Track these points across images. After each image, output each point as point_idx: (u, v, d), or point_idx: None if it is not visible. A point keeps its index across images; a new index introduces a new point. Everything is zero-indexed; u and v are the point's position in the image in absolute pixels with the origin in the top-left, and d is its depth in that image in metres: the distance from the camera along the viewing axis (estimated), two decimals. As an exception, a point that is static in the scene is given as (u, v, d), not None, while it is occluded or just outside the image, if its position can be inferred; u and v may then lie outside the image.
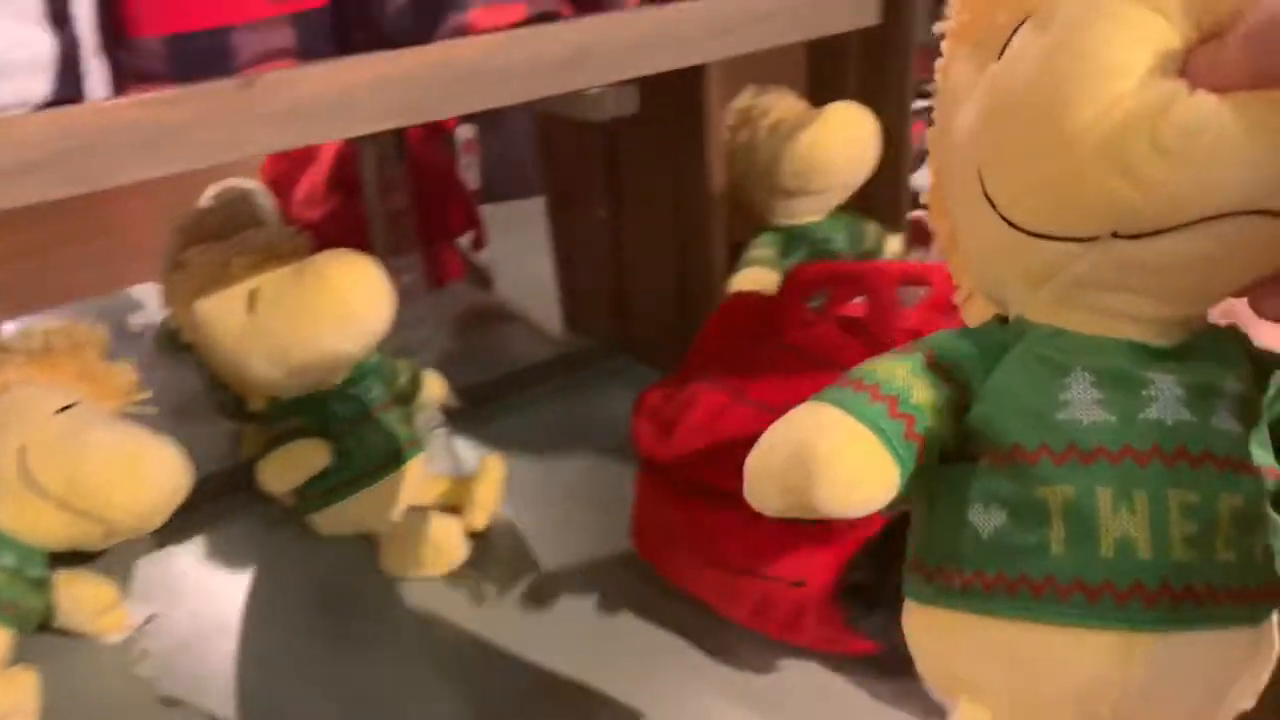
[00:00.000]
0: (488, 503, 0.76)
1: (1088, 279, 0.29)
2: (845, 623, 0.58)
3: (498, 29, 0.53)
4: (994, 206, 0.30)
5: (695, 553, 0.65)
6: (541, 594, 0.71)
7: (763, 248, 0.93)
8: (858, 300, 0.70)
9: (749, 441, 0.62)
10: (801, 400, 0.63)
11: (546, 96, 0.55)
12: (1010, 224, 0.30)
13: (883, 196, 0.99)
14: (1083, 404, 0.29)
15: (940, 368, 0.32)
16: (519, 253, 1.15)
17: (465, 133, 1.17)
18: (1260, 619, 0.30)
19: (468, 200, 1.16)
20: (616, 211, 0.97)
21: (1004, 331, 0.32)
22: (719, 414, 0.65)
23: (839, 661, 0.62)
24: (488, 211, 1.18)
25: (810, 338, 0.67)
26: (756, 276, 0.89)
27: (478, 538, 0.76)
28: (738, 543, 0.62)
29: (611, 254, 0.99)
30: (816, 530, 0.59)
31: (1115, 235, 0.28)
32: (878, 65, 0.96)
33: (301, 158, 1.03)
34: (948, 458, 0.32)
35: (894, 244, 0.98)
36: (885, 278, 0.64)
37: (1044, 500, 0.29)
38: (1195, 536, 0.29)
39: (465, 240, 1.18)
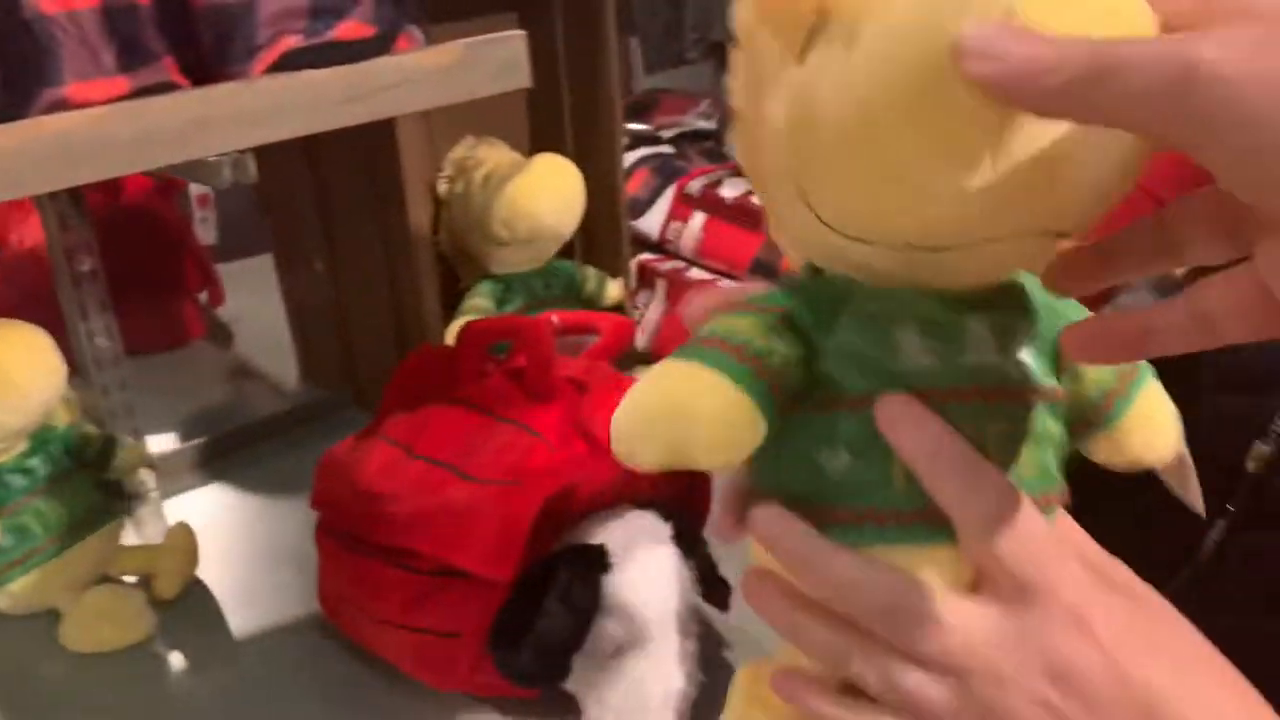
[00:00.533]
0: (178, 571, 0.75)
1: (892, 271, 0.32)
2: (498, 670, 0.59)
3: (96, 104, 0.52)
4: (807, 203, 0.31)
5: (366, 610, 0.65)
6: (226, 662, 0.70)
7: (479, 296, 0.94)
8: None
9: (412, 498, 0.63)
10: (465, 452, 0.64)
11: (164, 166, 0.55)
12: (820, 220, 0.31)
13: (602, 244, 1.02)
14: (911, 353, 0.33)
15: (792, 327, 0.33)
16: (258, 308, 1.14)
17: (198, 189, 1.15)
18: (1051, 516, 0.35)
19: (202, 257, 1.14)
20: (334, 265, 0.97)
21: (832, 285, 0.34)
22: (388, 470, 0.66)
23: (516, 706, 0.63)
24: (228, 268, 1.17)
25: (481, 390, 0.68)
26: (470, 326, 0.91)
27: (172, 605, 0.74)
28: (399, 598, 0.62)
29: (335, 307, 0.99)
30: (467, 585, 0.60)
31: (910, 246, 0.30)
32: (591, 119, 0.99)
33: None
34: (795, 406, 0.33)
35: (614, 290, 1.01)
36: (542, 331, 0.66)
37: (884, 440, 0.32)
38: (1007, 460, 0.33)
39: (204, 297, 1.16)
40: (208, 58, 0.58)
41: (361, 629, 0.66)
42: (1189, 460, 0.40)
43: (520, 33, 0.68)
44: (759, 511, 0.35)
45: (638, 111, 1.24)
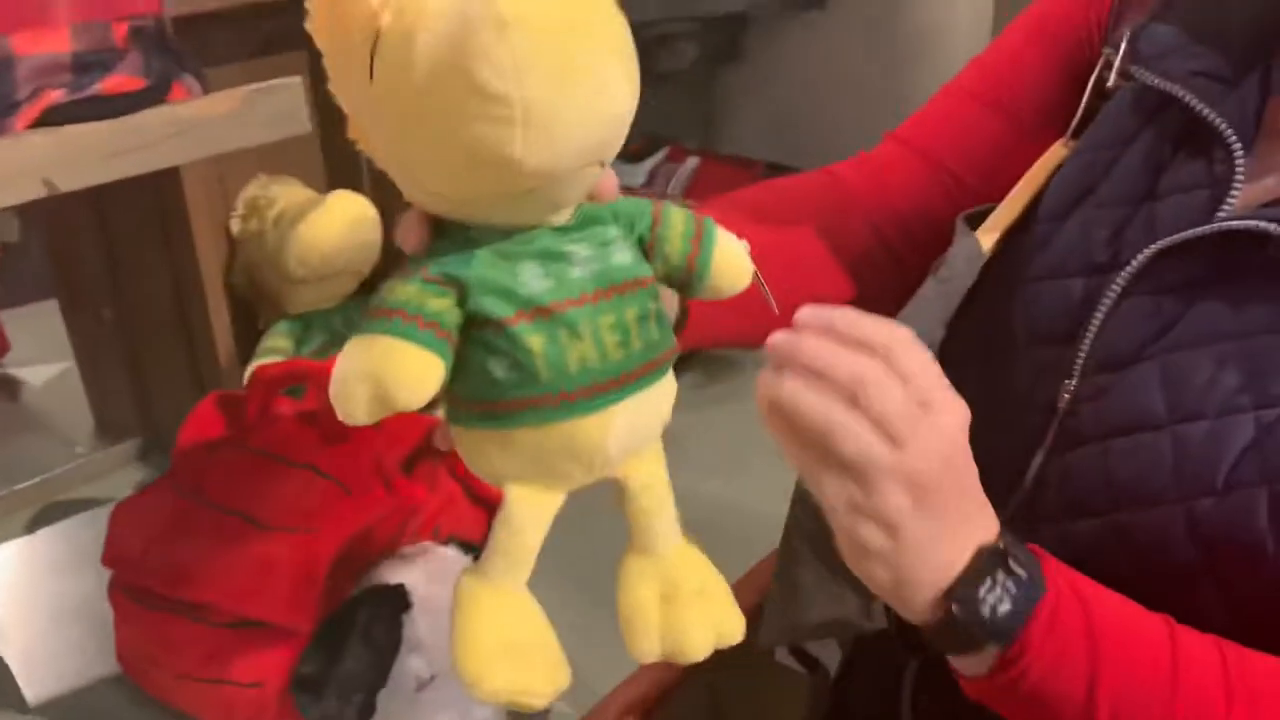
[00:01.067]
0: (-39, 640, 0.72)
1: (489, 216, 0.42)
2: (301, 713, 0.60)
3: None
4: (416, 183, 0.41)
5: (162, 666, 0.64)
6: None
7: (277, 337, 0.94)
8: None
9: (205, 550, 0.63)
10: (257, 499, 0.64)
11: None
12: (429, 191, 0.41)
13: (404, 275, 1.03)
14: (533, 279, 0.42)
15: (445, 279, 0.41)
16: (45, 357, 1.09)
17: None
18: (667, 370, 0.46)
19: (-21, 305, 1.08)
20: (123, 312, 0.94)
21: (461, 236, 0.42)
22: (181, 522, 0.65)
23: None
24: (8, 316, 1.11)
25: (272, 436, 0.68)
26: (269, 367, 0.90)
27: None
28: (198, 651, 0.62)
29: (126, 354, 0.96)
30: (267, 634, 0.60)
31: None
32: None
33: None
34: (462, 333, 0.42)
35: (418, 321, 1.02)
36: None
37: (528, 347, 0.42)
38: (620, 341, 0.43)
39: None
40: (-37, 115, 0.57)
41: (164, 685, 0.65)
42: (758, 275, 0.50)
43: (297, 79, 0.69)
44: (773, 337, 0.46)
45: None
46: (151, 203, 0.87)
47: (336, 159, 1.03)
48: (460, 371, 0.42)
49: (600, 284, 0.43)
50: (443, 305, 0.41)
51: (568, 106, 0.38)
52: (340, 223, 0.92)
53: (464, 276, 0.41)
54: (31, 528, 0.89)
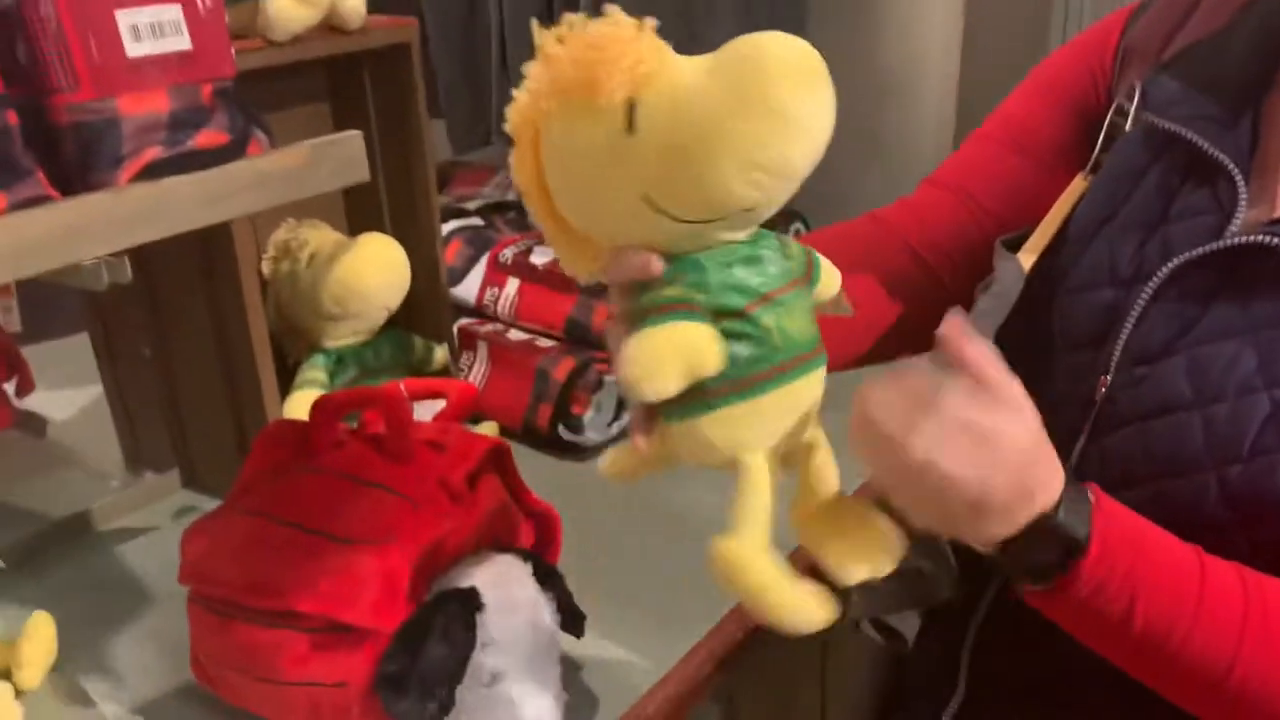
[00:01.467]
0: (38, 661, 0.76)
1: (699, 237, 0.53)
2: (387, 712, 0.65)
3: (-24, 220, 0.56)
4: (660, 210, 0.51)
5: (245, 672, 0.69)
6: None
7: (313, 370, 0.99)
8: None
9: (287, 563, 0.68)
10: (334, 516, 0.70)
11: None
12: (669, 216, 0.51)
13: (426, 313, 1.09)
14: (749, 277, 0.53)
15: (690, 285, 0.52)
16: (72, 393, 1.13)
17: (-3, 277, 1.13)
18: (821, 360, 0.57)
19: (7, 346, 1.12)
20: (163, 349, 0.99)
21: (685, 259, 0.53)
22: (258, 539, 0.71)
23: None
24: (32, 352, 1.15)
25: (340, 458, 0.74)
26: (307, 398, 0.95)
27: (35, 695, 0.76)
28: (282, 656, 0.67)
29: (164, 390, 1.01)
30: (351, 637, 0.66)
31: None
32: (408, 200, 1.07)
33: None
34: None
35: (440, 354, 1.08)
36: (397, 398, 0.73)
37: (767, 325, 0.53)
38: (810, 320, 0.56)
39: (10, 386, 1.14)
40: (73, 170, 0.63)
41: (245, 691, 0.70)
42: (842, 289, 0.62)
43: (357, 133, 0.75)
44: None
45: (436, 183, 1.31)
46: (194, 245, 0.92)
47: (359, 203, 1.09)
48: None
49: (787, 278, 0.55)
50: (702, 298, 0.52)
51: (819, 124, 0.50)
52: (373, 263, 0.98)
53: (704, 282, 0.52)
54: (76, 558, 0.94)
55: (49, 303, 1.18)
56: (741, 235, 0.54)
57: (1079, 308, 0.71)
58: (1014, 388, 0.55)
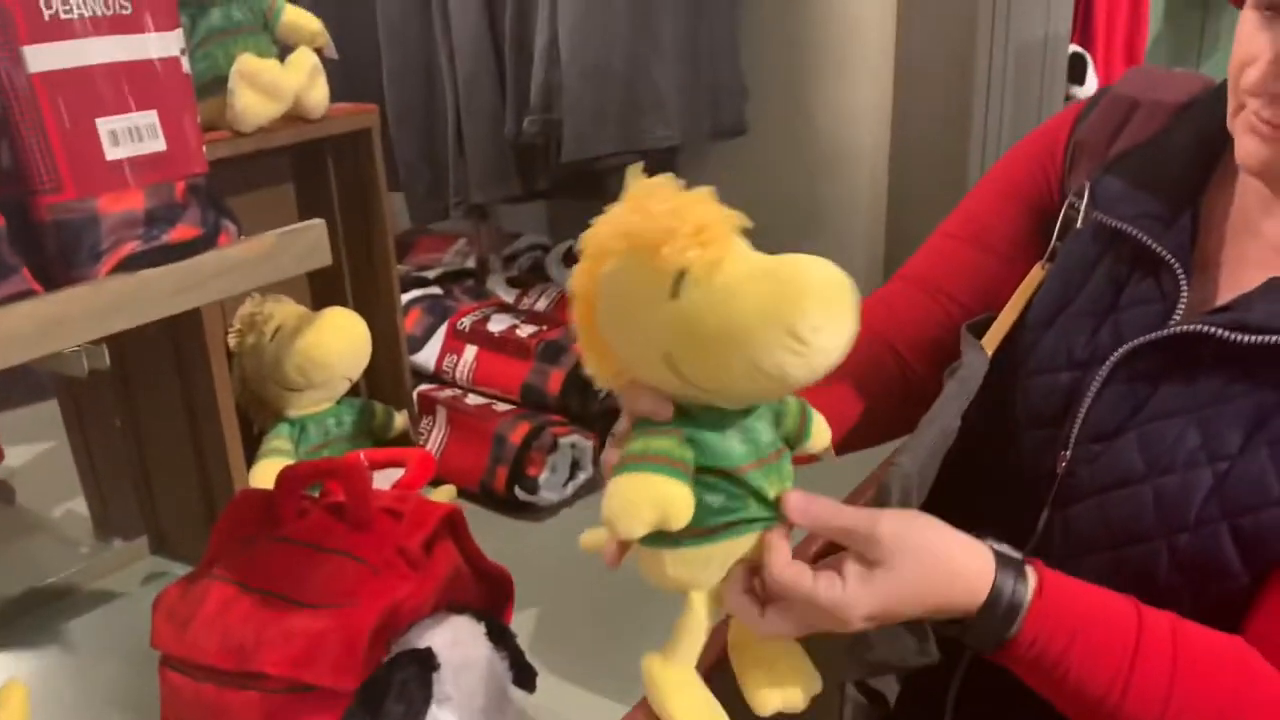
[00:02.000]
0: (12, 726, 0.79)
1: (713, 396, 0.59)
2: (349, 768, 0.69)
3: (-31, 312, 0.61)
4: (675, 369, 0.57)
5: (216, 734, 0.73)
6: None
7: (278, 439, 1.04)
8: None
9: (254, 627, 0.72)
10: (298, 582, 0.74)
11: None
12: (685, 380, 0.58)
13: (386, 381, 1.14)
14: (738, 444, 0.60)
15: (685, 438, 0.59)
16: (40, 460, 1.17)
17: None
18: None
19: (-24, 418, 1.16)
20: (133, 419, 1.04)
21: (686, 414, 0.60)
22: (228, 605, 0.75)
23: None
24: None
25: (303, 527, 0.79)
26: (272, 467, 0.99)
27: (5, 762, 0.79)
28: (253, 716, 0.71)
29: (134, 458, 1.05)
30: (315, 696, 0.70)
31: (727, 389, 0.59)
32: (369, 274, 1.12)
33: None
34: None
35: (400, 420, 1.13)
36: (357, 469, 0.78)
37: (746, 486, 0.60)
38: (781, 482, 0.62)
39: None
40: (54, 265, 0.68)
41: (213, 752, 0.74)
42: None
43: (320, 221, 0.80)
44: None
45: (397, 252, 1.37)
46: (164, 322, 0.97)
47: (322, 277, 1.14)
48: None
49: (774, 446, 0.63)
50: (688, 455, 0.59)
51: (830, 352, 0.55)
52: (335, 335, 1.03)
53: (700, 441, 0.59)
54: (47, 625, 0.97)
55: (16, 370, 1.21)
56: (740, 406, 0.61)
57: (1039, 389, 0.77)
58: (878, 544, 0.61)
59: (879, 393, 0.86)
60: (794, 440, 0.66)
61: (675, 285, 0.55)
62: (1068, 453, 0.74)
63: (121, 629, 0.96)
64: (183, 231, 0.73)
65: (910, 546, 0.61)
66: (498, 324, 1.22)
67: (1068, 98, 2.31)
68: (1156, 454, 0.70)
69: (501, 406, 1.17)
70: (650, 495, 0.56)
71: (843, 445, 0.85)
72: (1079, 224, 0.80)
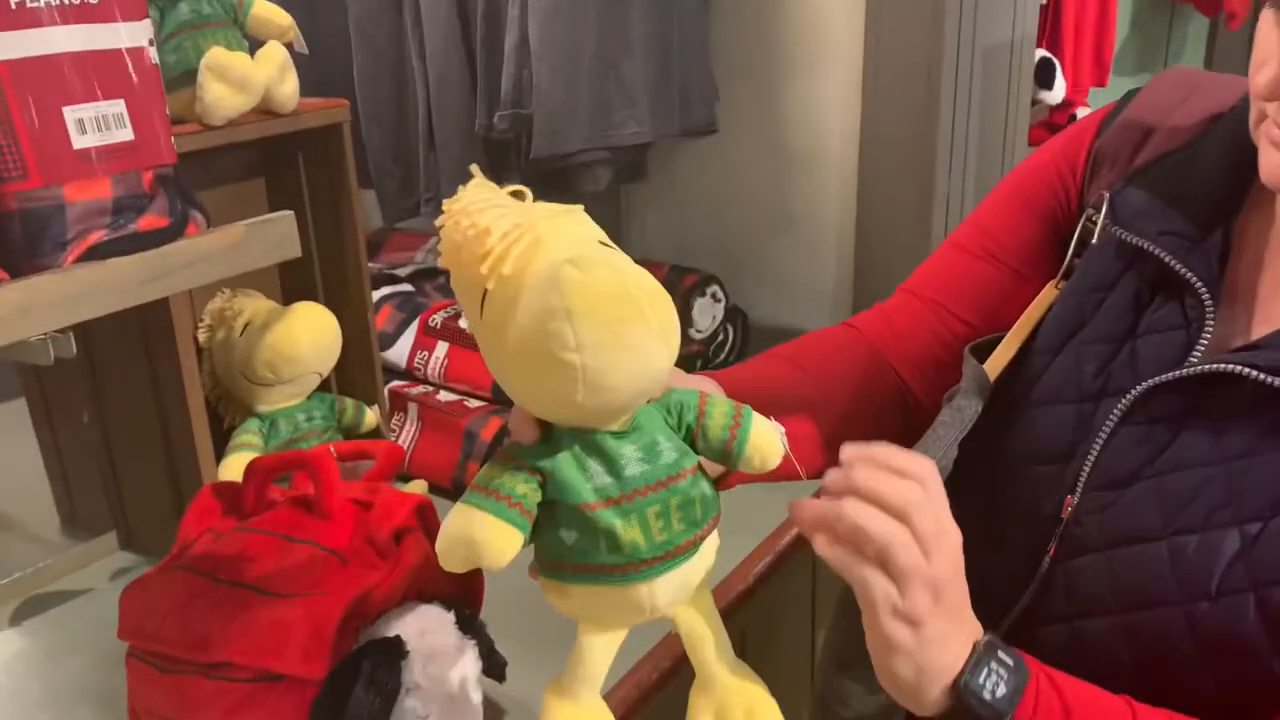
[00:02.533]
0: (-23, 719, 0.79)
1: (580, 420, 0.53)
2: (315, 756, 0.69)
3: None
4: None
5: (182, 723, 0.73)
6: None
7: (247, 434, 1.03)
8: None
9: (222, 617, 0.72)
10: (267, 572, 0.74)
11: (-10, 349, 0.63)
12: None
13: (357, 377, 1.14)
14: (598, 475, 0.53)
15: (531, 469, 0.54)
16: (4, 456, 1.16)
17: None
18: (704, 543, 0.57)
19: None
20: (101, 414, 1.03)
21: (544, 446, 0.54)
22: (194, 595, 0.75)
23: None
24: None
25: (272, 518, 0.79)
26: (241, 462, 0.99)
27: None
28: (221, 706, 0.71)
29: (102, 455, 1.05)
30: (283, 685, 0.70)
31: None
32: (339, 269, 1.12)
33: None
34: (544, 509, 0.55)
35: (370, 416, 1.13)
36: (325, 460, 0.78)
37: (595, 527, 0.53)
38: (663, 526, 0.54)
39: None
40: (20, 253, 0.68)
41: (179, 742, 0.74)
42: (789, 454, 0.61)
43: (289, 213, 0.80)
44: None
45: (369, 250, 1.37)
46: (133, 315, 0.97)
47: (292, 273, 1.14)
48: (540, 533, 0.55)
49: (649, 480, 0.54)
50: (529, 490, 0.53)
51: (617, 372, 0.49)
52: (305, 330, 1.03)
53: (548, 469, 0.53)
54: (16, 621, 0.96)
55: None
56: (614, 426, 0.54)
57: (1044, 421, 0.69)
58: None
59: (875, 413, 0.80)
60: (719, 454, 0.57)
61: (481, 304, 0.51)
62: (1074, 498, 0.66)
63: (89, 624, 0.95)
64: (151, 221, 0.73)
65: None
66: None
67: (1035, 102, 2.34)
68: (1175, 510, 0.61)
69: (473, 403, 1.18)
70: (466, 534, 0.53)
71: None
72: (1095, 240, 0.72)
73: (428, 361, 1.21)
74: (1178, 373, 0.63)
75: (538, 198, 0.54)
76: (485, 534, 0.52)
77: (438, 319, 1.24)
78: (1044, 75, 2.32)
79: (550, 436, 0.54)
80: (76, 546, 1.06)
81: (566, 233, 0.51)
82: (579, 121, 1.16)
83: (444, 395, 1.19)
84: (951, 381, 0.74)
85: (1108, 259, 0.70)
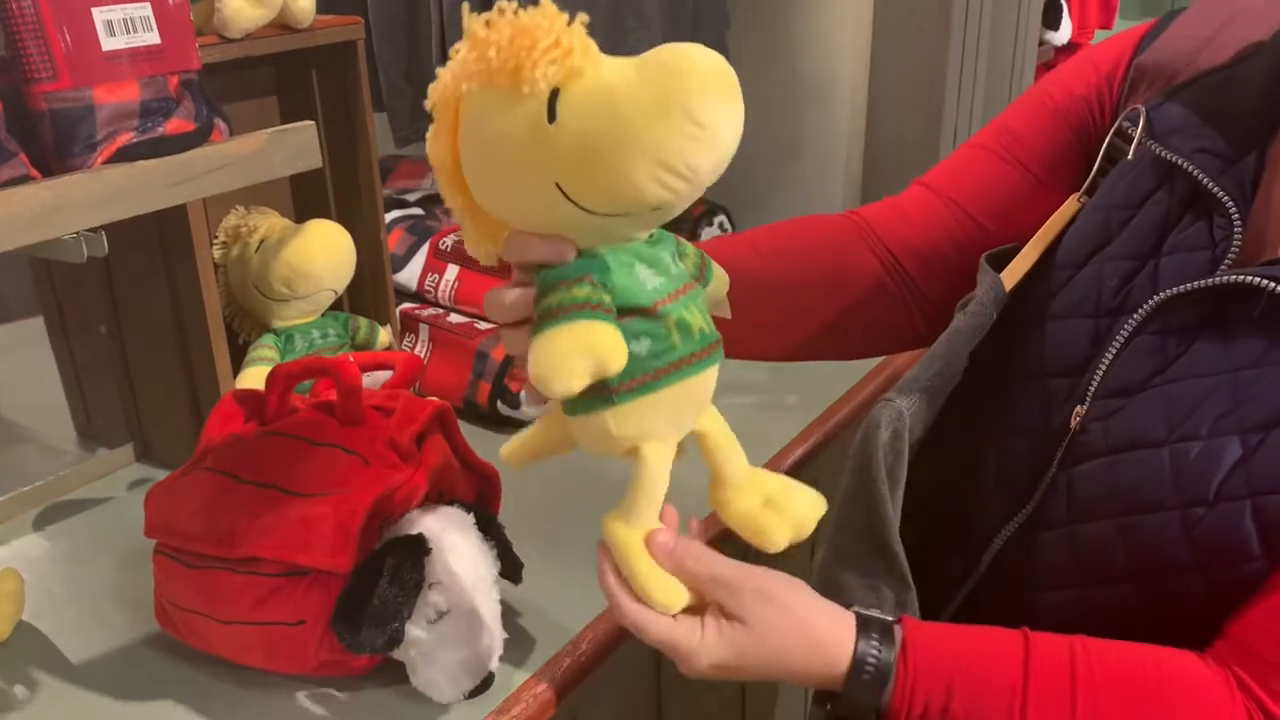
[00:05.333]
0: (7, 612, 0.81)
1: (608, 231, 0.55)
2: (343, 646, 0.72)
3: (-33, 195, 0.62)
4: (569, 199, 0.52)
5: (209, 616, 0.75)
6: (73, 682, 0.78)
7: (263, 348, 1.05)
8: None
9: (248, 516, 0.74)
10: (291, 473, 0.76)
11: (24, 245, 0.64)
12: (577, 205, 0.53)
13: (370, 295, 1.16)
14: (650, 277, 0.56)
15: (597, 283, 0.54)
16: (21, 373, 1.17)
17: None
18: (718, 355, 0.61)
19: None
20: (118, 328, 1.04)
21: (589, 262, 0.55)
22: (220, 495, 0.77)
23: (352, 681, 0.76)
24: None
25: (295, 422, 0.81)
26: (258, 374, 1.01)
27: (3, 646, 0.81)
28: (247, 599, 0.74)
29: (119, 368, 1.06)
30: (309, 579, 0.72)
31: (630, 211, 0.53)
32: (352, 187, 1.13)
33: None
34: None
35: (384, 335, 1.14)
36: (349, 368, 0.79)
37: (666, 323, 0.56)
38: (705, 320, 0.59)
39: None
40: (51, 154, 0.69)
41: (208, 634, 0.76)
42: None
43: (310, 123, 0.81)
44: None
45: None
46: (151, 225, 0.98)
47: (305, 190, 1.15)
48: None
49: (683, 280, 0.58)
50: (608, 299, 0.54)
51: (729, 137, 0.51)
52: (320, 246, 1.04)
53: (610, 282, 0.55)
54: (39, 526, 0.98)
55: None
56: (644, 234, 0.56)
57: (1061, 336, 0.69)
58: (739, 599, 0.61)
59: (868, 300, 0.81)
60: (699, 270, 0.62)
61: (549, 107, 0.50)
62: (1084, 408, 0.67)
63: (111, 528, 0.97)
64: (178, 125, 0.73)
65: (771, 609, 0.61)
66: (480, 243, 1.23)
67: (1041, 43, 2.34)
68: (1179, 417, 0.62)
69: (483, 325, 1.19)
70: (581, 343, 0.52)
71: (824, 347, 0.83)
72: (1130, 155, 0.70)
73: (438, 284, 1.23)
74: (1195, 284, 0.64)
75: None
76: (607, 339, 0.52)
77: (448, 242, 1.25)
78: (1051, 16, 2.31)
79: (589, 259, 0.55)
80: (94, 459, 1.08)
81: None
82: (594, 40, 1.16)
83: (454, 317, 1.21)
84: (957, 278, 0.75)
85: (1138, 176, 0.70)
